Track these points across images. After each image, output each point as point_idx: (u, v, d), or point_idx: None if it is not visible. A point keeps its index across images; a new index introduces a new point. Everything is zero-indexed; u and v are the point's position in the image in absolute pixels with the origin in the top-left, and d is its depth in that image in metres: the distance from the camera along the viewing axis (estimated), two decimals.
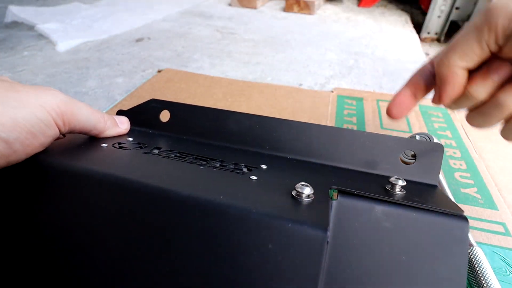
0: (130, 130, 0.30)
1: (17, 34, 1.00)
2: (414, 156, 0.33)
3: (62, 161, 0.21)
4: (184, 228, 0.17)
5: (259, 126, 0.27)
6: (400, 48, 1.06)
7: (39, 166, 0.21)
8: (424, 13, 1.38)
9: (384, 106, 0.51)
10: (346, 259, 0.17)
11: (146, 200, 0.18)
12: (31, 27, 1.04)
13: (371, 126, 0.45)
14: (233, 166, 0.24)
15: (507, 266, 0.30)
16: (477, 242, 0.31)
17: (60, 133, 0.23)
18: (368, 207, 0.17)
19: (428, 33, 1.34)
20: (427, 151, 0.24)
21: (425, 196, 0.20)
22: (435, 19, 1.32)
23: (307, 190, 0.18)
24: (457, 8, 1.26)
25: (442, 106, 0.28)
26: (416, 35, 1.30)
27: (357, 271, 0.16)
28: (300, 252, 0.15)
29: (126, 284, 0.17)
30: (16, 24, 1.08)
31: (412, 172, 0.24)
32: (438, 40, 1.34)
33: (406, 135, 0.36)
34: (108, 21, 1.15)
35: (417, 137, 0.34)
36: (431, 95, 0.27)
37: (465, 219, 0.17)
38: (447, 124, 0.45)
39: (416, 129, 0.44)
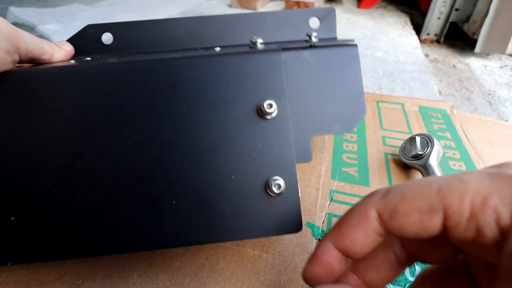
0: (76, 59, 0.29)
1: None
2: (414, 156, 0.33)
3: (33, 69, 0.22)
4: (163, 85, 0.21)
5: (198, 26, 0.33)
6: (400, 49, 1.06)
7: (12, 76, 0.22)
8: (424, 14, 1.38)
9: (384, 107, 0.51)
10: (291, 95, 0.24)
11: (133, 73, 0.21)
12: (31, 28, 1.04)
13: (371, 127, 0.45)
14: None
15: None
16: None
17: (20, 57, 0.23)
18: (299, 53, 0.25)
19: (428, 34, 1.34)
20: (325, 14, 0.33)
21: (332, 41, 0.29)
22: (434, 20, 1.32)
23: (260, 40, 0.26)
24: (456, 10, 1.27)
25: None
26: (416, 36, 1.30)
27: (292, 100, 0.23)
28: (265, 68, 0.22)
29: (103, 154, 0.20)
30: (16, 25, 1.08)
31: (320, 31, 0.33)
32: (438, 41, 1.35)
33: (406, 136, 0.37)
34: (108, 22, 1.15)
35: (417, 138, 0.34)
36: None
37: (355, 45, 0.25)
38: (447, 126, 0.45)
39: (415, 130, 0.44)
